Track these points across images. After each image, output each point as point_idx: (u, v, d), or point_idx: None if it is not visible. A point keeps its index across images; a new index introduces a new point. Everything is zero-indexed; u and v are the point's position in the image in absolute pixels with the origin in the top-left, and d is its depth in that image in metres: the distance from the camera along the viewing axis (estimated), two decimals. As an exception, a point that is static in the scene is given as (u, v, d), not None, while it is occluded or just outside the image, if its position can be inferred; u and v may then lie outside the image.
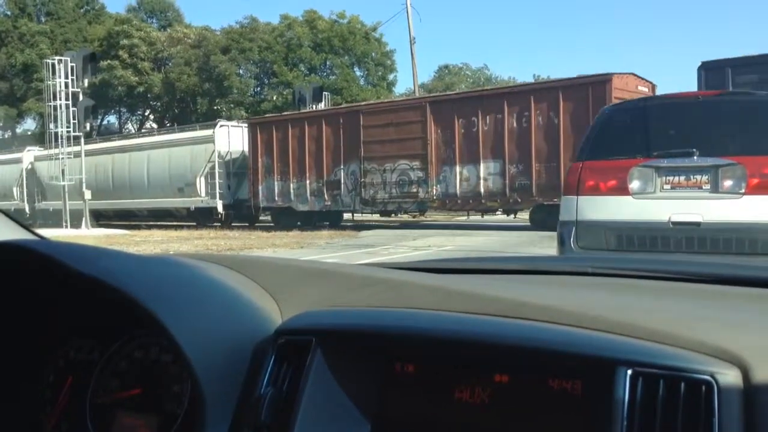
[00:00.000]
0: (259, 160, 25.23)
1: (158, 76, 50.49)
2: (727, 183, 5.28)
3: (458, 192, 20.74)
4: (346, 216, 26.56)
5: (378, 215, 25.19)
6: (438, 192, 21.16)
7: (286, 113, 28.04)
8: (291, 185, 24.37)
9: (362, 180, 22.63)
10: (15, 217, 1.73)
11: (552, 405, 1.01)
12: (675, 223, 5.34)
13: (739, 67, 14.85)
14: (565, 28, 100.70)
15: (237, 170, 26.68)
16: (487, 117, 19.94)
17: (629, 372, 0.91)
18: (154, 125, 52.94)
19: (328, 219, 24.89)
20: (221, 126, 27.22)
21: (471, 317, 1.09)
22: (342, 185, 23.26)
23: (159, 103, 54.15)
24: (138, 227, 27.76)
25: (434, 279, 1.41)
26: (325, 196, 23.67)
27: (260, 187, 25.30)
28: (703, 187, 5.38)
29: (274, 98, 48.03)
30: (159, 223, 29.36)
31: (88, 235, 23.89)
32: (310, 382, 1.10)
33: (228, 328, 1.19)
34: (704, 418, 0.86)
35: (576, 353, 0.97)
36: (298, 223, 24.09)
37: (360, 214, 26.05)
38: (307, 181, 23.96)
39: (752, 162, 5.23)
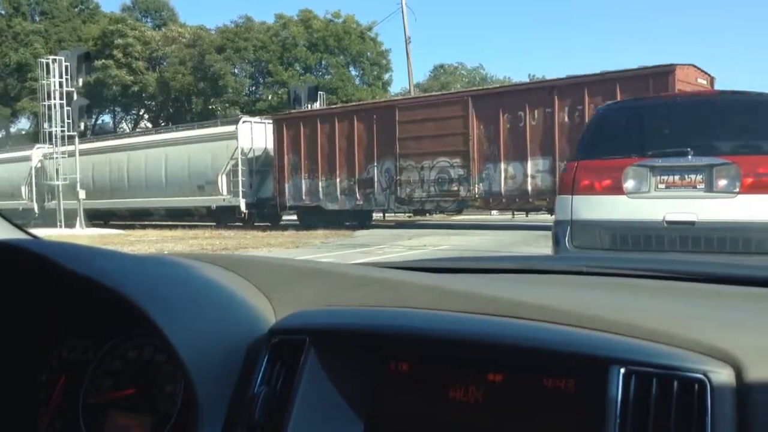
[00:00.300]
0: (285, 157, 24.65)
1: (153, 75, 50.09)
2: (722, 182, 5.32)
3: (503, 190, 19.99)
4: (377, 216, 26.10)
5: (411, 215, 24.72)
6: (480, 190, 20.48)
7: (315, 109, 27.60)
8: (320, 183, 23.85)
9: (398, 178, 22.04)
10: (8, 216, 1.74)
11: (546, 403, 1.02)
12: (669, 223, 5.38)
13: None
14: (559, 27, 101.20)
15: (260, 168, 26.23)
16: (535, 111, 19.14)
17: (622, 370, 0.92)
18: (149, 125, 52.52)
19: (356, 218, 24.44)
20: (244, 122, 26.64)
21: (467, 317, 1.10)
22: (375, 183, 22.67)
23: (153, 103, 53.67)
24: (132, 227, 27.35)
25: (430, 278, 1.41)
26: (357, 194, 23.11)
27: (286, 186, 24.70)
28: (698, 187, 5.41)
29: (270, 98, 48.00)
30: (172, 222, 28.71)
31: (82, 234, 23.69)
32: (304, 381, 1.11)
33: (222, 328, 1.19)
34: (697, 417, 0.86)
35: (573, 352, 0.97)
36: (326, 222, 23.46)
37: (392, 214, 25.56)
38: (338, 179, 23.41)
39: (747, 161, 5.27)
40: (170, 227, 26.14)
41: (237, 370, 1.15)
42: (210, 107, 48.76)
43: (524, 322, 1.04)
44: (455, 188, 21.05)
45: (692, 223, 5.33)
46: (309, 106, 29.53)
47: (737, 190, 5.25)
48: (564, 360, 0.99)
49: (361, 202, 23.29)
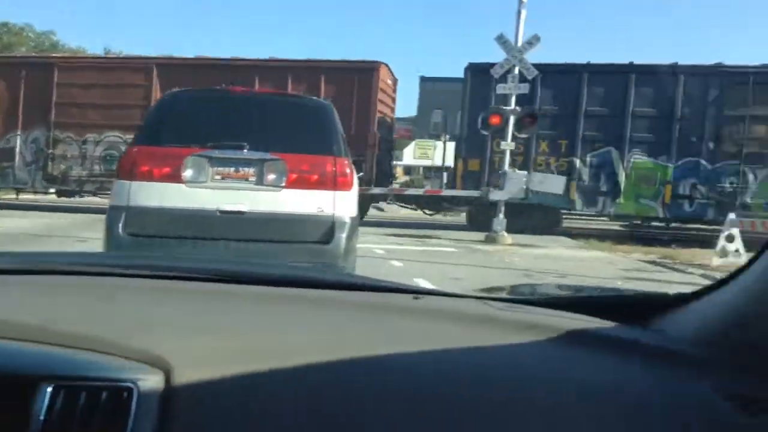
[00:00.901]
0: None
1: None
2: (271, 176, 5.79)
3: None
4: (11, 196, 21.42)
5: (56, 195, 20.87)
6: (160, 172, 18.37)
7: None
8: (-76, 151, 19.12)
9: (51, 151, 18.95)
10: None
11: None
12: (222, 212, 5.72)
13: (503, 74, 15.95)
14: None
15: None
16: (235, 89, 17.74)
17: (49, 389, 0.89)
18: None
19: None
20: None
21: None
22: (16, 156, 19.11)
23: None
24: None
25: None
26: (-12, 168, 19.11)
27: None
28: (250, 179, 5.80)
29: None
30: None
31: None
32: None
33: None
34: (121, 424, 0.87)
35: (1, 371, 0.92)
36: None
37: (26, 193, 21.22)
38: (-43, 148, 19.10)
39: (293, 159, 5.81)
40: None
41: None
42: None
43: None
44: (126, 168, 18.53)
45: (242, 213, 5.71)
46: None
47: (283, 184, 5.76)
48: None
49: (-6, 178, 19.37)
